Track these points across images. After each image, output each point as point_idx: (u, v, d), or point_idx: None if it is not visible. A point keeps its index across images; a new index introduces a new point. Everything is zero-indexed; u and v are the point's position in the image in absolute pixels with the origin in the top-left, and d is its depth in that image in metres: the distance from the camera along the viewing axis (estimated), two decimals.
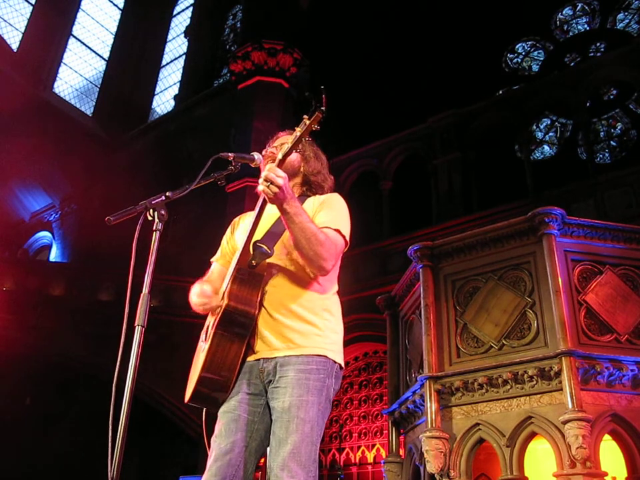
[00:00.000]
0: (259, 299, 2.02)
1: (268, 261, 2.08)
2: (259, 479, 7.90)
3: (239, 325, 1.97)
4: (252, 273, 2.03)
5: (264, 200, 2.03)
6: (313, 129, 1.85)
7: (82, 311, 10.07)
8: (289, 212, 1.92)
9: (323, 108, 1.81)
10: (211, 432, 2.06)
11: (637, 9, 12.11)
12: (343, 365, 2.11)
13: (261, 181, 1.91)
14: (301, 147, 2.15)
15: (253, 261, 2.03)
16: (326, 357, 2.03)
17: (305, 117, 1.85)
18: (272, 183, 1.87)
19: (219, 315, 1.97)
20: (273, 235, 2.11)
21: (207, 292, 2.09)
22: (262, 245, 2.06)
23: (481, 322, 4.32)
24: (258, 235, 2.10)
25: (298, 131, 1.87)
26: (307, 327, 2.04)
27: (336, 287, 2.21)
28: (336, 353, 2.07)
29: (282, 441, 1.90)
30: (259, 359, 2.03)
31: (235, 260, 2.06)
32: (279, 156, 1.94)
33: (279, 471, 1.86)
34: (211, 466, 1.94)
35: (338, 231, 2.08)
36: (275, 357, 2.00)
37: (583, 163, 9.74)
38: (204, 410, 2.13)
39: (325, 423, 2.03)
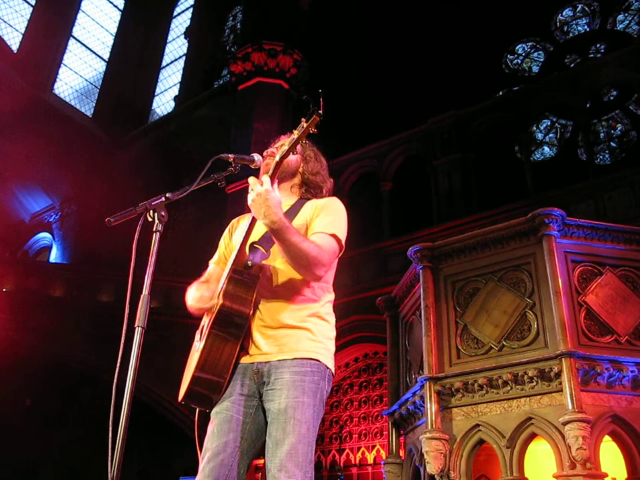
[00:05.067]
0: (253, 299, 2.01)
1: (264, 263, 2.08)
2: (259, 479, 7.88)
3: (233, 325, 1.97)
4: (247, 274, 2.02)
5: None
6: (311, 131, 1.85)
7: (82, 311, 10.07)
8: (274, 229, 1.92)
9: (320, 111, 1.81)
10: (202, 433, 2.06)
11: (637, 10, 12.12)
12: (333, 372, 2.11)
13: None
14: (300, 148, 2.16)
15: (249, 262, 2.02)
16: (318, 360, 2.03)
17: (303, 119, 1.85)
18: (251, 190, 1.92)
19: (214, 314, 1.97)
20: (269, 238, 2.10)
21: (205, 298, 2.09)
22: (258, 247, 2.06)
23: (481, 323, 4.32)
24: (255, 237, 2.10)
25: (295, 134, 1.87)
26: (300, 332, 2.04)
27: (331, 294, 2.21)
28: (327, 358, 2.07)
29: (279, 442, 1.89)
30: (253, 362, 2.03)
31: (231, 260, 2.05)
32: (276, 158, 1.94)
33: (277, 472, 1.86)
34: (204, 467, 1.94)
35: (334, 235, 2.07)
36: (269, 361, 2.01)
37: (583, 163, 9.75)
38: (197, 410, 2.12)
39: (319, 426, 2.04)
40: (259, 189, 1.89)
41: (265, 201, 1.88)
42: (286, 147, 1.90)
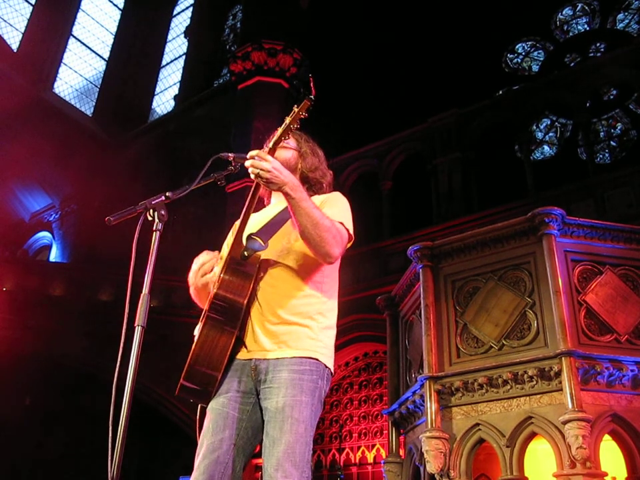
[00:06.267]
0: (250, 289, 1.98)
1: (265, 256, 2.06)
2: (259, 479, 7.88)
3: (227, 315, 1.95)
4: (244, 264, 2.00)
5: (254, 188, 2.03)
6: (301, 116, 1.86)
7: (82, 311, 10.07)
8: (293, 197, 1.91)
9: (311, 96, 1.82)
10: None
11: (636, 9, 12.13)
12: (332, 371, 2.09)
13: (250, 170, 1.91)
14: (295, 144, 2.16)
15: (245, 252, 2.01)
16: (317, 360, 2.01)
17: (295, 105, 1.87)
18: (260, 170, 1.88)
19: (208, 303, 1.96)
20: (269, 230, 2.09)
21: (197, 282, 2.09)
22: (256, 238, 2.04)
23: (481, 322, 4.32)
24: (254, 228, 2.09)
25: (287, 120, 1.88)
26: (301, 329, 2.02)
27: (335, 292, 2.18)
28: (327, 357, 2.06)
29: (276, 441, 1.87)
30: (251, 358, 2.01)
31: (228, 250, 2.04)
32: (270, 145, 1.94)
33: (273, 471, 1.84)
34: (199, 464, 1.91)
35: (341, 223, 2.07)
36: (268, 359, 1.99)
37: (583, 163, 9.75)
38: (198, 408, 2.10)
39: (317, 425, 2.02)
40: (265, 165, 1.88)
41: (283, 174, 1.89)
42: (278, 133, 1.91)
